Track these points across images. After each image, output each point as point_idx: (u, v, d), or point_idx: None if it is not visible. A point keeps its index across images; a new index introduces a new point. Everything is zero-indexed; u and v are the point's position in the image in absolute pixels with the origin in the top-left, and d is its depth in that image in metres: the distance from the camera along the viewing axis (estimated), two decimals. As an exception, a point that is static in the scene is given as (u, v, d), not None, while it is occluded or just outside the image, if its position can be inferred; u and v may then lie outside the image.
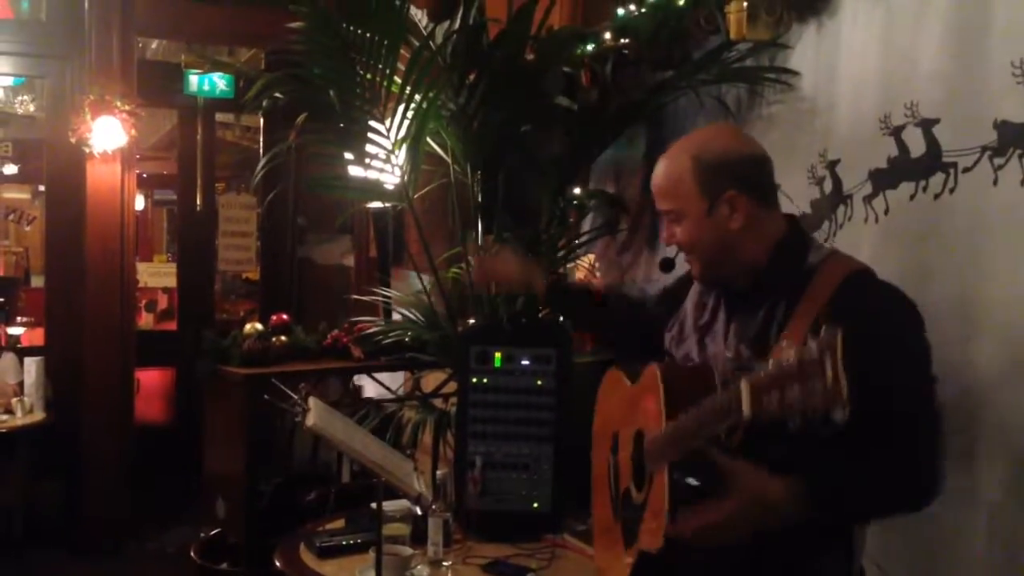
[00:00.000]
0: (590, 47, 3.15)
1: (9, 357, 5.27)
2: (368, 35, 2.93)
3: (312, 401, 2.04)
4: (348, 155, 3.22)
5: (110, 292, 5.26)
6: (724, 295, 1.78)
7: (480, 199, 3.13)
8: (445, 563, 2.42)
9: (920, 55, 2.14)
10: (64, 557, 5.13)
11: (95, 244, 5.22)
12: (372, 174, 3.21)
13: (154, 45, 7.03)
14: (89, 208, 5.19)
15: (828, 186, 2.44)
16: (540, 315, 3.02)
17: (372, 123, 3.08)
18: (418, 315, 3.50)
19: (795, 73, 2.60)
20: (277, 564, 2.47)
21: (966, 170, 2.01)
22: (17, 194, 10.58)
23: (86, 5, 5.15)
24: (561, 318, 2.71)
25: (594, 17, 3.37)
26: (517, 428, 2.67)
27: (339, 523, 2.70)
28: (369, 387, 4.52)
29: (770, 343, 1.58)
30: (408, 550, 2.35)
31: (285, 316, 4.06)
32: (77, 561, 5.10)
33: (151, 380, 6.27)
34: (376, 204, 4.36)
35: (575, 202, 3.36)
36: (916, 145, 2.14)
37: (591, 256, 3.60)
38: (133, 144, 5.25)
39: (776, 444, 1.43)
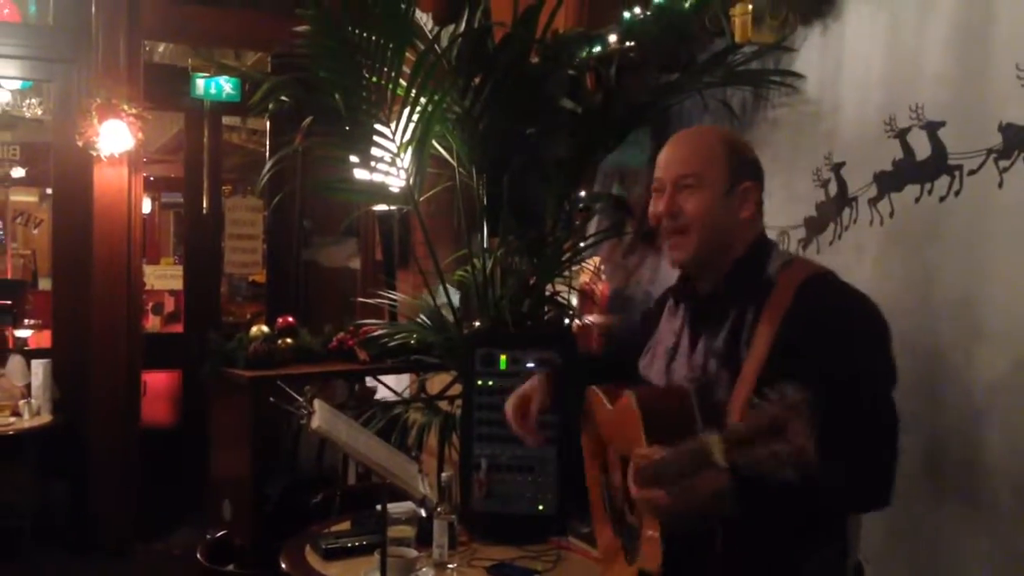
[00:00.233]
0: (595, 50, 3.15)
1: (16, 359, 5.29)
2: (373, 38, 2.94)
3: (317, 403, 2.05)
4: (354, 158, 3.23)
5: (117, 295, 5.28)
6: (688, 312, 1.78)
7: (485, 202, 3.13)
8: (450, 565, 2.42)
9: (925, 58, 2.14)
10: (71, 558, 5.14)
11: (102, 247, 5.24)
12: (378, 177, 3.22)
13: (161, 49, 7.05)
14: (96, 211, 5.21)
15: (833, 189, 2.44)
16: (545, 318, 3.02)
17: (377, 126, 3.09)
18: (424, 318, 3.51)
19: (800, 76, 2.60)
20: (283, 566, 2.48)
21: (971, 173, 2.01)
22: (25, 197, 10.59)
23: (93, 9, 5.17)
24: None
25: (599, 20, 3.37)
26: (522, 431, 2.67)
27: (345, 525, 2.70)
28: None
29: (740, 354, 1.61)
30: (413, 552, 2.35)
31: (291, 319, 4.07)
32: (84, 562, 5.10)
33: (158, 382, 6.28)
34: (382, 207, 4.37)
35: (580, 205, 3.37)
36: (921, 148, 2.15)
37: (596, 259, 3.61)
38: (140, 147, 5.27)
39: None
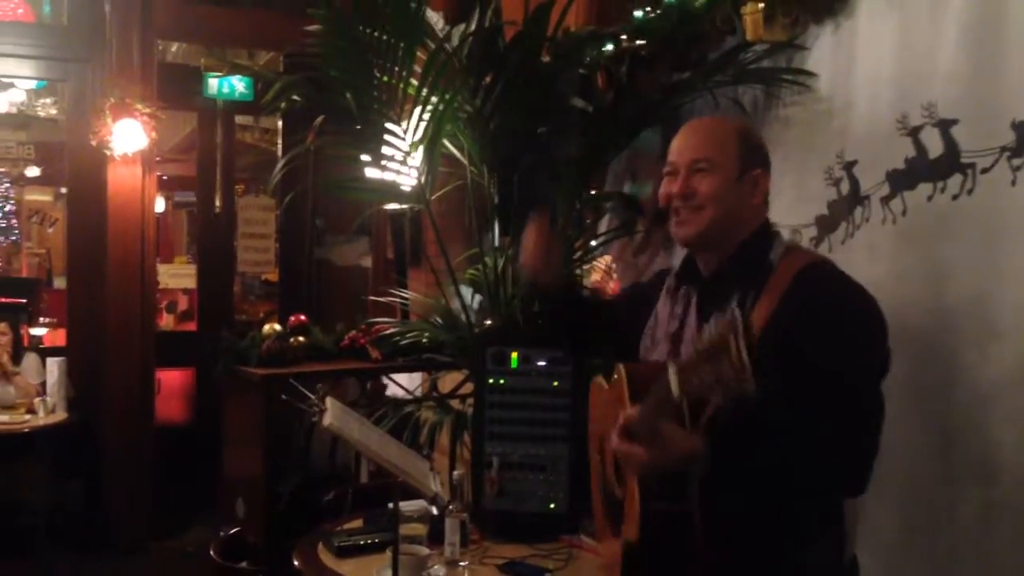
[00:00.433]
0: (606, 49, 3.15)
1: (31, 357, 5.32)
2: (385, 38, 2.95)
3: (329, 401, 2.06)
4: (365, 157, 3.23)
5: (131, 293, 5.31)
6: (696, 293, 1.85)
7: (496, 200, 3.14)
8: (462, 563, 2.43)
9: (937, 55, 2.13)
10: (85, 556, 5.17)
11: (116, 246, 5.27)
12: (389, 176, 3.23)
13: (174, 48, 7.08)
14: (110, 210, 5.24)
15: (845, 187, 2.43)
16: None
17: (389, 125, 3.09)
18: (435, 317, 3.51)
19: (812, 74, 2.59)
20: (295, 563, 2.49)
21: (984, 171, 2.00)
22: (39, 196, 10.67)
23: (107, 9, 5.20)
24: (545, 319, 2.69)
25: (610, 18, 3.37)
26: (534, 429, 2.67)
27: (357, 523, 2.71)
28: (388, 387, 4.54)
29: None
30: (425, 550, 2.36)
31: (303, 317, 4.08)
32: (97, 560, 5.14)
33: (171, 380, 6.31)
34: (393, 206, 4.38)
35: (591, 203, 3.36)
36: (934, 146, 2.14)
37: (607, 258, 3.60)
38: (153, 146, 5.29)
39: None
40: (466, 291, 3.44)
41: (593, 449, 2.07)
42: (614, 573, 1.83)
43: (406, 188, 3.23)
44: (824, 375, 1.58)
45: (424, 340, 3.59)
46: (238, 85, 5.99)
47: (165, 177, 9.04)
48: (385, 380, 4.43)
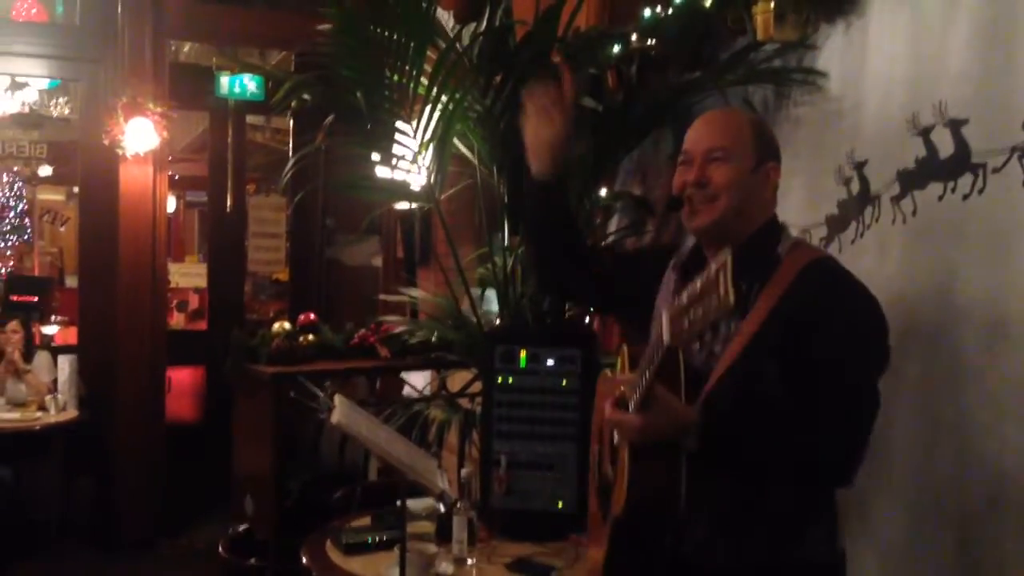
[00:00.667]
0: (616, 48, 3.15)
1: (43, 355, 5.36)
2: (395, 37, 2.95)
3: (337, 398, 2.07)
4: (375, 156, 3.24)
5: (142, 292, 5.34)
6: None
7: (506, 200, 3.14)
8: (470, 561, 2.43)
9: (948, 55, 2.12)
10: (96, 552, 5.21)
11: (128, 245, 5.29)
12: (399, 175, 3.23)
13: (186, 48, 7.12)
14: (122, 209, 5.26)
15: (856, 187, 2.42)
16: (566, 316, 3.02)
17: (399, 124, 3.10)
18: (444, 316, 3.52)
19: (822, 74, 2.58)
20: (304, 560, 2.50)
21: (995, 171, 1.99)
22: (52, 195, 10.74)
23: (119, 9, 5.22)
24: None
25: (621, 18, 3.36)
26: (542, 428, 2.68)
27: (365, 520, 2.72)
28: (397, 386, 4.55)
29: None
30: (433, 548, 2.37)
31: (312, 315, 4.10)
32: (108, 556, 5.17)
33: (182, 378, 6.34)
34: (403, 205, 4.39)
35: (601, 203, 3.36)
36: (945, 146, 2.13)
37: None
38: (165, 146, 5.32)
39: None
40: (479, 292, 3.45)
41: (593, 438, 2.08)
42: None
43: (416, 187, 3.23)
44: (826, 367, 1.63)
45: (433, 339, 3.59)
46: (249, 85, 6.02)
47: (177, 177, 9.09)
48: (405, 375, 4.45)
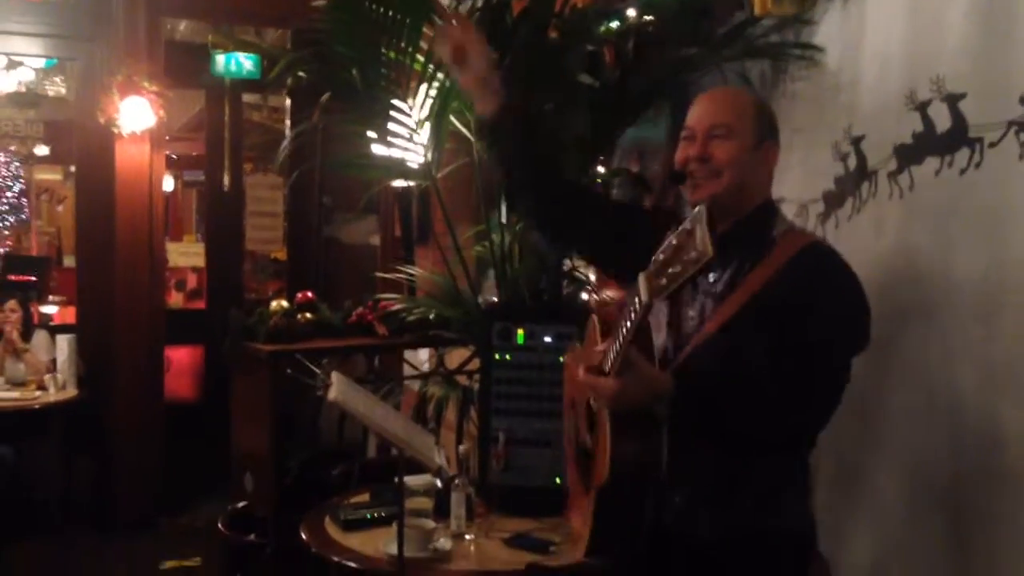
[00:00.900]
0: (614, 24, 3.13)
1: (42, 334, 5.37)
2: (391, 13, 2.93)
3: (334, 375, 2.07)
4: (372, 134, 3.23)
5: (140, 271, 5.34)
6: None
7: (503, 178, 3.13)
8: (468, 536, 2.45)
9: (946, 29, 2.12)
10: (95, 531, 5.23)
11: (125, 224, 5.29)
12: (396, 153, 3.22)
13: (181, 26, 7.07)
14: (119, 188, 5.26)
15: (852, 162, 2.42)
16: (563, 292, 3.02)
17: (396, 102, 3.09)
18: (442, 293, 3.52)
19: (820, 49, 2.58)
20: (303, 537, 2.51)
21: (992, 145, 1.99)
22: (49, 175, 10.72)
23: (114, -14, 5.20)
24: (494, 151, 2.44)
25: (618, -6, 3.34)
26: (540, 404, 2.69)
27: (364, 497, 2.74)
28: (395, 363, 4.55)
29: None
30: (431, 523, 2.38)
31: (310, 294, 4.09)
32: (108, 535, 5.19)
33: (181, 357, 6.35)
34: (401, 183, 4.38)
35: (598, 181, 3.36)
36: (942, 120, 2.12)
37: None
38: (161, 125, 5.30)
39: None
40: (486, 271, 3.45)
41: (567, 408, 2.13)
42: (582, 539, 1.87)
43: (413, 165, 3.22)
44: (814, 346, 1.69)
45: (431, 316, 3.59)
46: (245, 63, 5.97)
47: (175, 156, 9.05)
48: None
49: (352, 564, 2.34)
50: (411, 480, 2.40)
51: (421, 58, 3.02)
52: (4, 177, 9.79)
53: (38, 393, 5.00)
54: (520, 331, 2.70)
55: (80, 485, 5.38)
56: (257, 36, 6.83)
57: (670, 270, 1.38)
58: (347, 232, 6.59)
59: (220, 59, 5.91)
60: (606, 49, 3.18)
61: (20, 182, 9.98)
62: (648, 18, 3.03)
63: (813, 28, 2.60)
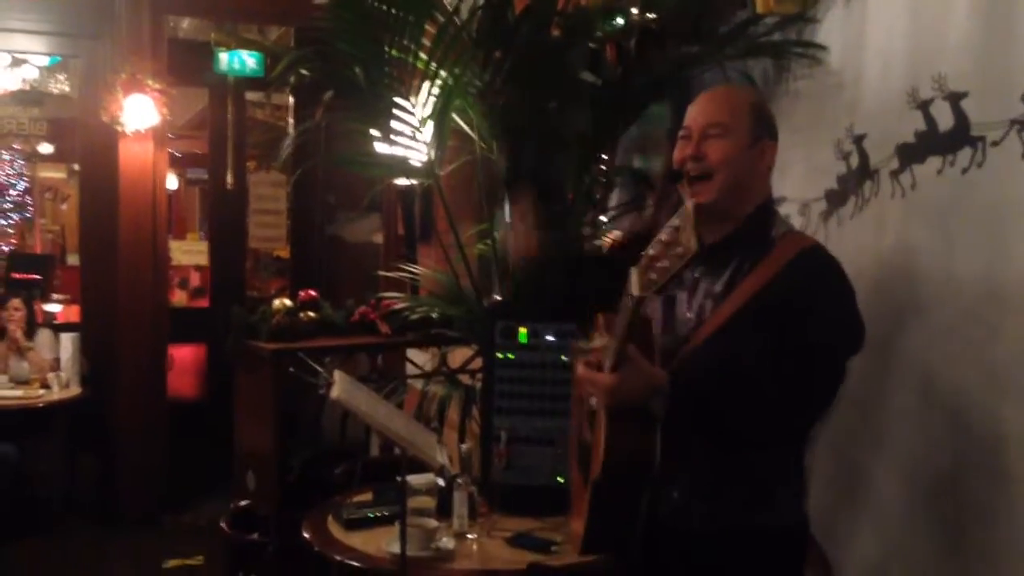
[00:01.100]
0: (616, 22, 3.13)
1: (46, 333, 5.38)
2: (393, 11, 2.93)
3: (337, 374, 2.07)
4: (375, 132, 3.23)
5: (143, 270, 5.35)
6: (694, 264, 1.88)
7: (506, 175, 3.13)
8: (470, 535, 2.45)
9: (948, 28, 2.11)
10: (99, 529, 5.24)
11: (128, 222, 5.29)
12: (399, 151, 3.22)
13: (184, 24, 7.07)
14: (122, 186, 5.26)
15: (855, 161, 2.41)
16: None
17: (398, 100, 3.08)
18: (445, 292, 3.52)
19: (822, 47, 2.57)
20: (305, 535, 2.51)
21: (994, 144, 1.98)
22: (53, 173, 10.72)
23: (117, -16, 5.20)
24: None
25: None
26: (542, 403, 2.68)
27: (366, 496, 2.74)
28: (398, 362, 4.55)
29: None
30: (434, 522, 2.38)
31: (312, 292, 4.09)
32: (112, 533, 5.20)
33: (184, 356, 6.35)
34: (403, 181, 4.38)
35: (601, 178, 3.36)
36: (944, 119, 2.12)
37: (617, 232, 3.59)
38: (165, 123, 5.30)
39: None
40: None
41: (574, 406, 2.11)
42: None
43: (416, 163, 3.22)
44: (814, 348, 1.70)
45: (434, 315, 3.59)
46: (249, 61, 5.97)
47: (178, 154, 9.05)
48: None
49: (354, 563, 2.34)
50: (413, 479, 2.41)
51: (424, 56, 3.02)
52: (8, 175, 9.81)
53: (42, 391, 5.01)
54: (523, 330, 2.70)
55: (84, 483, 5.39)
56: (260, 34, 6.84)
57: (659, 264, 1.41)
58: (350, 230, 6.60)
59: (223, 57, 5.91)
60: (608, 47, 3.18)
61: (24, 180, 9.99)
62: (650, 16, 3.03)
63: (815, 27, 2.60)
